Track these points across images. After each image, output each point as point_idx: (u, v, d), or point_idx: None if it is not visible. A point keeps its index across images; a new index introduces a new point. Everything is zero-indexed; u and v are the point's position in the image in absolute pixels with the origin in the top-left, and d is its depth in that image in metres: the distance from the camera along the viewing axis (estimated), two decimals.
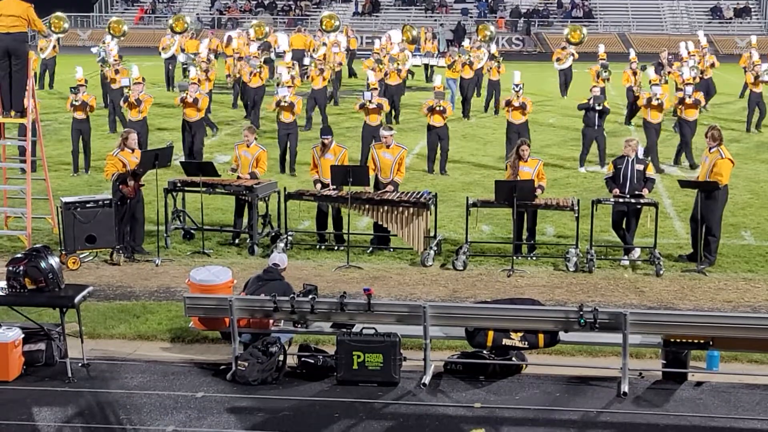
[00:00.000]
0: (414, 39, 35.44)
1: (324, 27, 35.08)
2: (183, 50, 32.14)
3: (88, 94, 20.45)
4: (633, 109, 25.95)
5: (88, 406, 9.55)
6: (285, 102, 20.28)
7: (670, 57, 28.16)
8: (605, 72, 26.49)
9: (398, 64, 27.74)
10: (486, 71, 29.02)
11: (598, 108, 20.30)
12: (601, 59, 27.88)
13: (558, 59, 32.18)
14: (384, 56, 29.06)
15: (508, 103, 20.59)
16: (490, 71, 28.82)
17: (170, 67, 33.16)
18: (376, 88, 21.53)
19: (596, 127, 20.45)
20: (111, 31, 32.66)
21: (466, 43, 32.28)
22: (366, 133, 20.27)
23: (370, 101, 20.28)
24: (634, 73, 26.29)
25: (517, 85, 20.57)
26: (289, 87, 20.88)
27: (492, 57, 29.59)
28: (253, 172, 15.59)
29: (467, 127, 26.53)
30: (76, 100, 20.10)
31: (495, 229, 16.06)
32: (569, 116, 26.80)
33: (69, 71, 29.63)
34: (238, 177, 15.65)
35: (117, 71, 25.07)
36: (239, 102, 28.60)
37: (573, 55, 31.87)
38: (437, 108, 20.11)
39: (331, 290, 12.64)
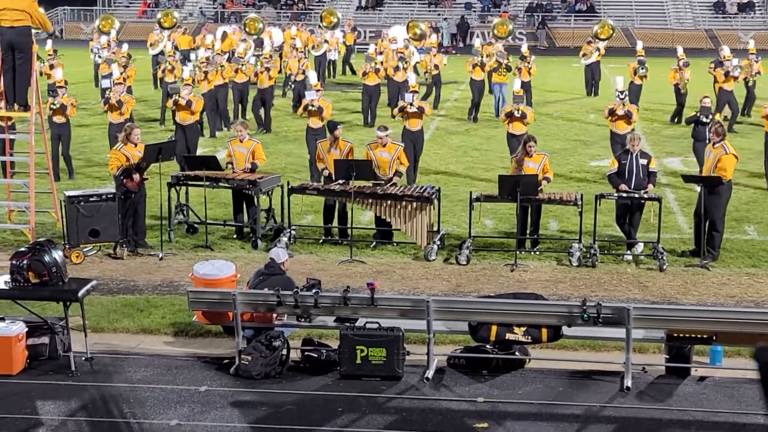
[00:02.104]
0: (421, 35, 34.14)
1: (323, 23, 34.46)
2: (176, 47, 31.45)
3: (68, 96, 19.42)
4: (680, 107, 25.28)
5: (91, 399, 9.56)
6: (313, 106, 18.70)
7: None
8: (642, 69, 25.46)
9: (375, 63, 26.17)
10: (515, 72, 26.64)
11: (706, 120, 18.17)
12: (639, 55, 26.55)
13: (584, 54, 30.92)
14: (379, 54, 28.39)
15: (612, 112, 18.76)
16: (520, 72, 26.67)
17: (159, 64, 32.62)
18: (416, 91, 19.43)
19: (707, 141, 17.56)
20: (101, 29, 31.90)
21: (477, 42, 30.36)
22: (406, 138, 18.26)
23: (410, 104, 18.49)
24: (680, 70, 25.25)
25: (622, 92, 18.92)
26: (317, 90, 19.26)
27: (522, 57, 27.46)
28: (253, 163, 15.43)
29: (473, 126, 26.46)
30: (54, 104, 18.90)
31: (498, 223, 16.06)
32: (575, 113, 26.75)
33: (72, 64, 29.72)
34: (233, 171, 15.42)
35: (52, 66, 24.31)
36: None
37: (599, 50, 30.43)
38: (516, 114, 18.53)
39: (334, 284, 12.64)
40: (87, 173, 19.80)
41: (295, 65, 27.39)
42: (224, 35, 33.44)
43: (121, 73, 23.75)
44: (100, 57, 27.48)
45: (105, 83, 21.37)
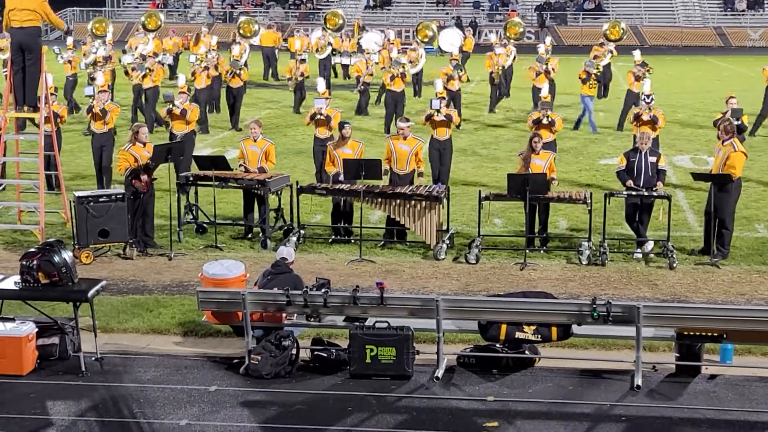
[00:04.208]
0: (432, 38, 32.08)
1: (328, 25, 33.86)
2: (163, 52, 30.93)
3: (57, 103, 18.59)
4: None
5: (101, 400, 9.57)
6: (321, 115, 17.85)
7: None
8: None
9: (403, 67, 25.02)
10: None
11: (736, 123, 16.88)
12: None
13: (595, 56, 29.43)
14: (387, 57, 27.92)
15: (637, 117, 18.26)
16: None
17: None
18: (444, 97, 18.50)
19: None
20: (94, 32, 31.33)
21: (541, 48, 27.63)
22: (432, 148, 17.66)
23: (438, 111, 17.42)
24: None
25: (648, 96, 18.40)
26: (326, 99, 18.43)
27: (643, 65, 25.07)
28: (262, 167, 15.40)
29: (479, 126, 26.43)
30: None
31: (507, 222, 16.04)
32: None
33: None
34: (247, 170, 15.39)
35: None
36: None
37: (611, 52, 29.35)
38: (544, 121, 17.60)
39: (343, 284, 12.64)
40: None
41: (363, 67, 27.38)
42: (197, 38, 32.44)
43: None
44: (61, 57, 27.23)
45: (87, 91, 19.99)
